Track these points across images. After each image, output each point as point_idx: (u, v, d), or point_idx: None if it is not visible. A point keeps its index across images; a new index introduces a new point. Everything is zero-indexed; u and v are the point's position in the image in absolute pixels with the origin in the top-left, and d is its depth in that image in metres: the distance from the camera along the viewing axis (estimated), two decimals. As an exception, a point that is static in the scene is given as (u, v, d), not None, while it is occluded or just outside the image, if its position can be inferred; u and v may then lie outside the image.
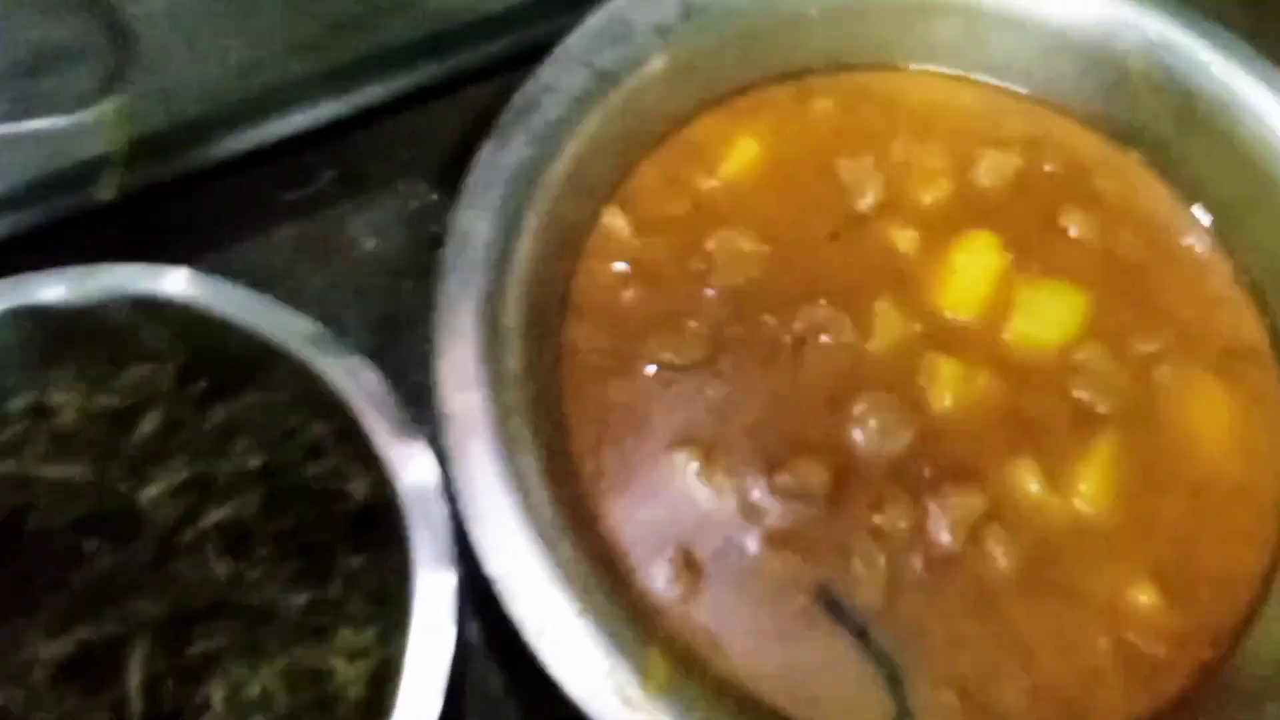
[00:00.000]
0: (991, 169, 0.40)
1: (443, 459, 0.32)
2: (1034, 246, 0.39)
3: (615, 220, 0.38)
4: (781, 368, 0.37)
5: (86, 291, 0.34)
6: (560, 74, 0.37)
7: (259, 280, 0.41)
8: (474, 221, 0.35)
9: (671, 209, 0.39)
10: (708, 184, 0.40)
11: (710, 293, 0.38)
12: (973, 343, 0.37)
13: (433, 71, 0.40)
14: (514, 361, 0.33)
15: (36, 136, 0.33)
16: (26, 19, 0.31)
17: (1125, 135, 0.41)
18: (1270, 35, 0.41)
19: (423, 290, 0.36)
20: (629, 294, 0.38)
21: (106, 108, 0.33)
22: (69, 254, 0.34)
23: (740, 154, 0.40)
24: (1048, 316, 0.38)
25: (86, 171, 0.35)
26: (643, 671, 0.30)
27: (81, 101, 0.33)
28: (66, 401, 0.35)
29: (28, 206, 0.35)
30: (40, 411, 0.35)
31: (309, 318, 0.35)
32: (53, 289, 0.34)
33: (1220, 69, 0.39)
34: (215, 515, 0.35)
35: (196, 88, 0.34)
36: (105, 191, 0.35)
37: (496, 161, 0.35)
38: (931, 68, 0.42)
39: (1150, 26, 0.40)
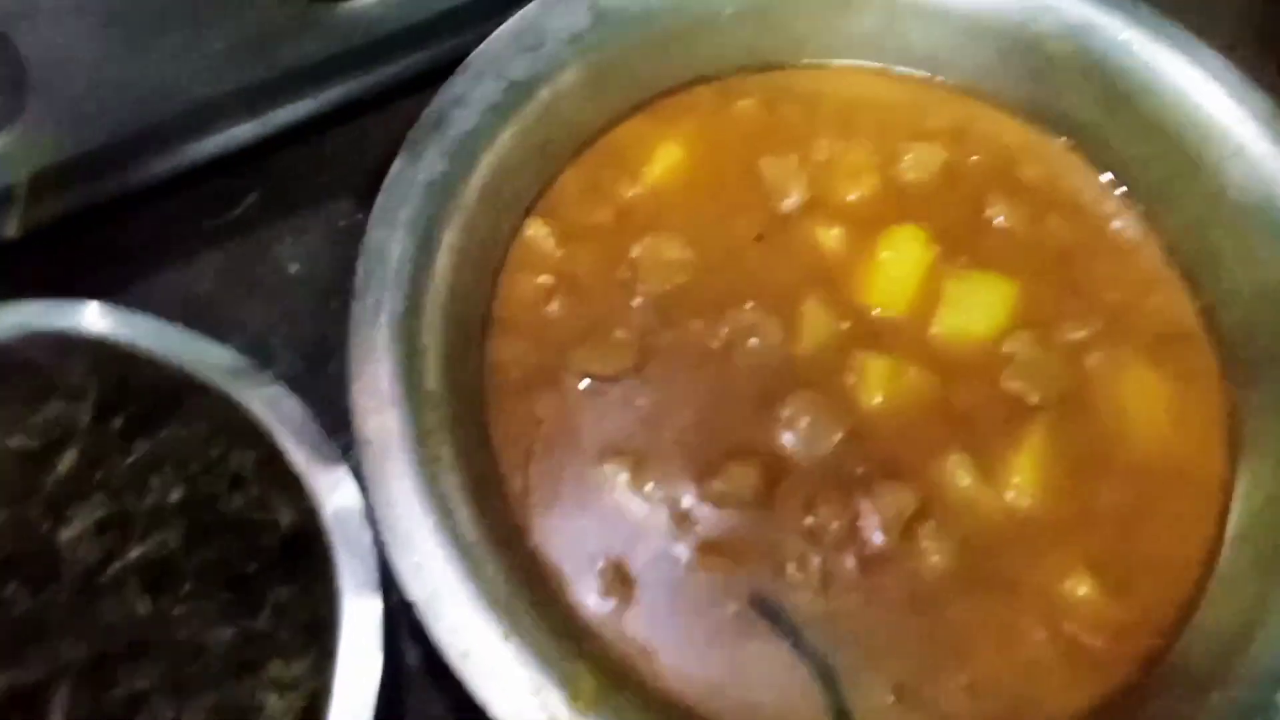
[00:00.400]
0: (917, 162, 0.40)
1: (363, 484, 0.31)
2: (961, 238, 0.39)
3: (538, 232, 0.38)
4: (710, 373, 0.37)
5: (-9, 330, 0.33)
6: (472, 86, 0.37)
7: (185, 309, 0.40)
8: (387, 240, 0.34)
9: (595, 218, 0.39)
10: (631, 191, 0.40)
11: (637, 301, 0.38)
12: (901, 338, 0.37)
13: (350, 88, 0.40)
14: (433, 381, 0.33)
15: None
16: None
17: (1050, 121, 0.41)
18: (1191, 10, 0.40)
19: (347, 314, 0.35)
20: (554, 306, 0.37)
21: (5, 140, 0.33)
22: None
23: (663, 159, 0.40)
24: (976, 308, 0.38)
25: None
26: (571, 688, 0.30)
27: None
28: (-21, 444, 0.34)
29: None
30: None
31: (228, 347, 0.35)
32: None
33: (1141, 47, 0.39)
34: (136, 552, 0.34)
35: (99, 116, 0.34)
36: (8, 228, 0.34)
37: (409, 178, 0.35)
38: (853, 63, 0.42)
39: (1069, 8, 0.40)
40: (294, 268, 0.42)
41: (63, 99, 0.33)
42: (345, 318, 0.37)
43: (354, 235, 0.42)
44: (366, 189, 0.42)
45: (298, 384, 0.36)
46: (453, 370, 0.34)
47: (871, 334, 0.37)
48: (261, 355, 0.39)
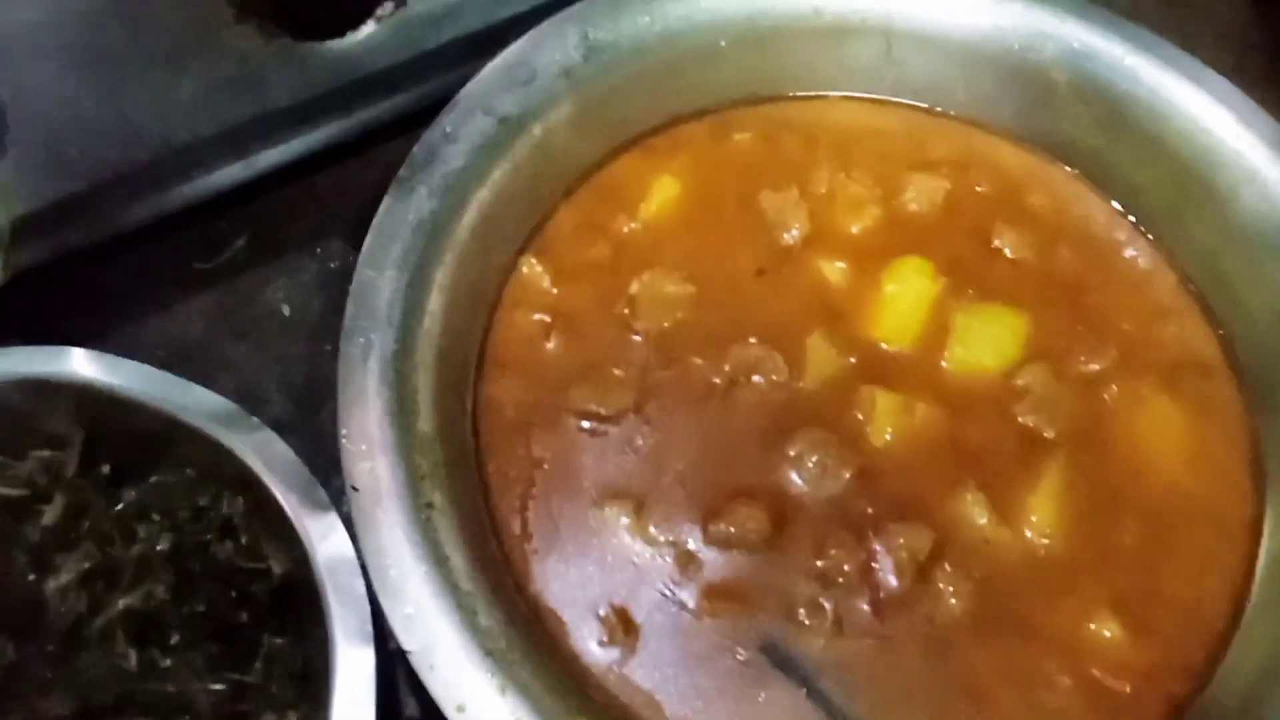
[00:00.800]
0: (920, 193, 0.40)
1: (354, 531, 0.30)
2: (968, 269, 0.38)
3: (532, 269, 0.38)
4: (713, 411, 0.36)
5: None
6: (462, 122, 0.36)
7: (173, 354, 0.40)
8: (376, 280, 0.34)
9: (591, 255, 0.38)
10: (628, 226, 0.39)
11: (636, 338, 0.37)
12: (910, 373, 0.37)
13: (338, 128, 0.39)
14: (425, 423, 0.32)
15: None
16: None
17: (1055, 149, 0.41)
18: (1194, 34, 0.40)
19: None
20: (551, 344, 0.37)
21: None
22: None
23: (660, 193, 0.40)
24: (986, 341, 0.37)
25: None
26: (570, 743, 0.29)
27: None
28: (-38, 495, 0.33)
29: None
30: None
31: (215, 392, 0.34)
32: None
33: (1146, 72, 0.39)
34: (123, 603, 0.34)
35: (81, 159, 0.34)
36: (-6, 272, 0.34)
37: (398, 217, 0.35)
38: (851, 93, 0.41)
39: (1071, 34, 0.39)
40: (285, 310, 0.41)
41: (43, 143, 0.33)
42: (336, 360, 0.36)
43: (346, 276, 0.42)
44: (357, 230, 0.42)
45: (290, 428, 0.36)
46: (446, 411, 0.34)
47: (879, 369, 0.36)
48: (252, 399, 0.38)
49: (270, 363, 0.41)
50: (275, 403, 0.39)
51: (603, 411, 0.35)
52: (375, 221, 0.34)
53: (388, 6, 0.36)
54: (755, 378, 0.36)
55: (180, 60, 0.33)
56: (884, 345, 0.37)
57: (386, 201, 0.34)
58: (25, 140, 0.32)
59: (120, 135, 0.34)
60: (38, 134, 0.32)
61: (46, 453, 0.35)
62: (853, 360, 0.36)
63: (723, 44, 0.40)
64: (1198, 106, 0.38)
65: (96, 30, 0.32)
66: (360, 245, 0.37)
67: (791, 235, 0.39)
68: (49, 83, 0.31)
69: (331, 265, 0.42)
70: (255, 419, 0.34)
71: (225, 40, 0.34)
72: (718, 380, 0.36)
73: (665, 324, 0.37)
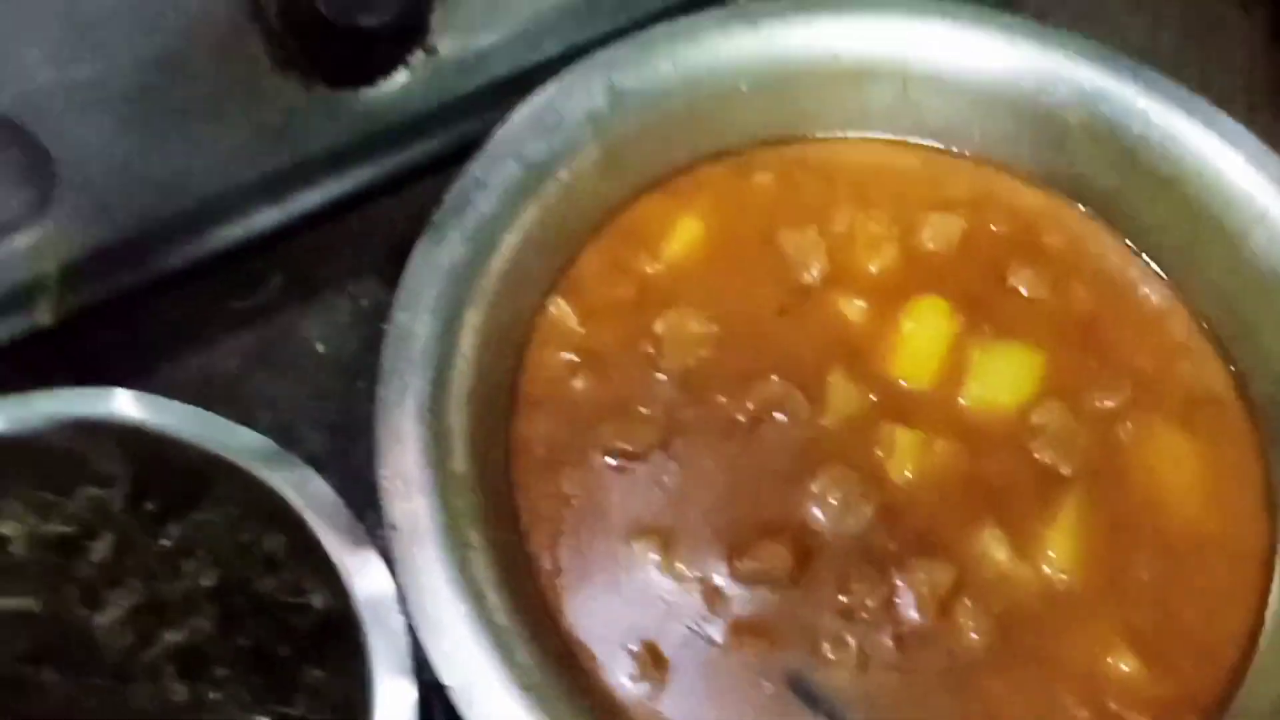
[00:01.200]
0: (936, 232, 0.41)
1: (393, 567, 0.31)
2: (985, 308, 0.39)
3: (560, 310, 0.39)
4: (737, 449, 0.37)
5: (26, 420, 0.34)
6: (491, 168, 0.38)
7: (211, 393, 0.41)
8: (411, 323, 0.35)
9: (616, 294, 0.40)
10: (652, 266, 0.40)
11: (661, 376, 0.38)
12: (929, 410, 0.38)
13: (372, 173, 0.41)
14: (460, 462, 0.34)
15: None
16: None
17: (1070, 189, 0.42)
18: (1208, 75, 0.40)
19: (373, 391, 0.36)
20: (579, 383, 0.38)
21: (35, 232, 0.33)
22: (11, 379, 0.33)
23: (682, 234, 0.41)
24: (1003, 378, 0.38)
25: (22, 297, 0.35)
26: (606, 776, 0.30)
27: (7, 228, 0.33)
28: (15, 533, 0.35)
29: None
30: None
31: (255, 431, 0.35)
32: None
33: (1158, 114, 0.40)
34: (171, 637, 0.35)
35: (125, 205, 0.35)
36: (44, 316, 0.35)
37: (431, 261, 0.36)
38: (868, 134, 0.42)
39: (1084, 77, 0.40)
40: (320, 347, 0.42)
41: (89, 190, 0.34)
42: (372, 396, 0.37)
43: (378, 313, 0.44)
44: (389, 269, 0.43)
45: (325, 464, 0.37)
46: (480, 450, 0.35)
47: (899, 406, 0.38)
48: (289, 435, 0.40)
49: (306, 399, 0.42)
50: (311, 439, 0.40)
51: (630, 449, 0.37)
52: (409, 267, 0.36)
53: (419, 55, 0.37)
54: (778, 415, 0.37)
55: (222, 111, 0.35)
56: (903, 383, 0.38)
57: (420, 247, 0.36)
58: (73, 190, 0.33)
59: (163, 184, 0.35)
60: (85, 184, 0.34)
61: (95, 490, 0.36)
62: (873, 398, 0.37)
63: (743, 88, 0.41)
64: (1209, 148, 0.39)
65: (142, 85, 0.34)
66: (392, 283, 0.38)
67: (811, 274, 0.40)
68: (96, 135, 0.33)
69: (364, 303, 0.44)
70: (294, 456, 0.35)
71: (265, 91, 0.35)
72: (741, 417, 0.37)
73: (689, 362, 0.38)
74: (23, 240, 0.34)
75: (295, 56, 0.34)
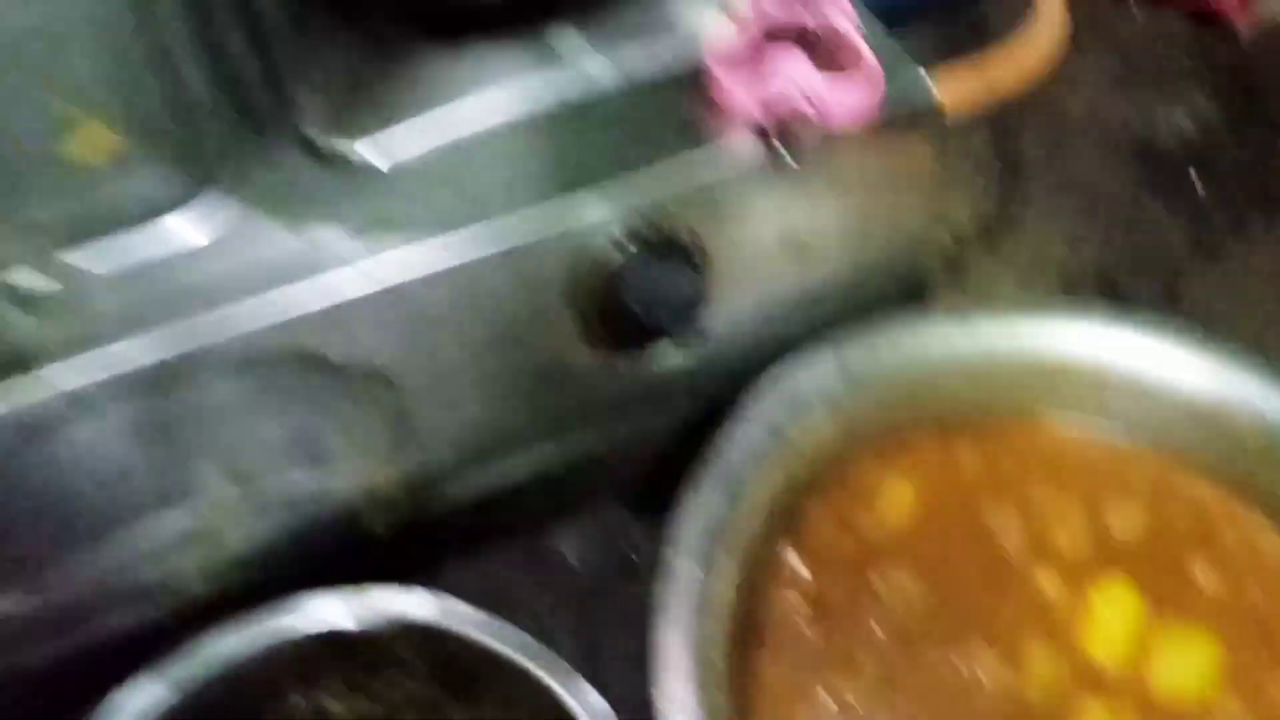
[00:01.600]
0: (1121, 518, 0.46)
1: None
2: (1168, 595, 0.44)
3: (792, 558, 0.45)
4: (946, 704, 0.42)
5: (358, 615, 0.40)
6: (743, 434, 0.44)
7: (485, 594, 0.47)
8: (678, 566, 0.41)
9: (840, 549, 0.45)
10: (869, 524, 0.46)
11: (878, 629, 0.43)
12: (1121, 688, 0.42)
13: (627, 428, 0.48)
14: (718, 695, 0.39)
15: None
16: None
17: (1247, 494, 0.46)
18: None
19: (616, 603, 0.42)
20: (808, 629, 0.43)
21: (390, 469, 0.42)
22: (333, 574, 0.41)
23: (896, 496, 0.47)
24: (1187, 666, 0.42)
25: (366, 511, 0.43)
26: None
27: (370, 457, 0.42)
28: (340, 709, 0.41)
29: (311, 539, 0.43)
30: (321, 715, 0.41)
31: (530, 635, 0.41)
32: (332, 611, 0.41)
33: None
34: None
35: (457, 446, 0.43)
36: (379, 528, 0.43)
37: (695, 511, 0.42)
38: (1064, 418, 0.48)
39: (1263, 403, 0.45)
40: (572, 560, 0.49)
41: (430, 434, 0.42)
42: (616, 607, 0.43)
43: (619, 531, 0.51)
44: (636, 499, 0.50)
45: (586, 667, 0.42)
46: (730, 682, 0.40)
47: (1094, 681, 0.42)
48: (543, 639, 0.46)
49: (556, 604, 0.49)
50: (565, 644, 0.46)
51: (851, 699, 0.42)
52: (677, 518, 0.42)
53: (698, 340, 0.45)
54: (983, 677, 0.42)
55: (542, 379, 0.43)
56: (1096, 658, 0.43)
57: (687, 496, 0.43)
58: (421, 437, 0.42)
59: (476, 428, 0.43)
60: (430, 431, 0.42)
61: (398, 676, 0.43)
62: (1068, 669, 0.42)
63: (956, 369, 0.48)
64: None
65: (484, 362, 0.42)
66: (634, 510, 0.44)
67: (1011, 545, 0.46)
68: (446, 399, 0.42)
69: (609, 526, 0.51)
70: (565, 663, 0.41)
71: (571, 363, 0.44)
72: (951, 678, 0.42)
73: (903, 617, 0.44)
74: (381, 472, 0.42)
75: (606, 338, 0.43)
